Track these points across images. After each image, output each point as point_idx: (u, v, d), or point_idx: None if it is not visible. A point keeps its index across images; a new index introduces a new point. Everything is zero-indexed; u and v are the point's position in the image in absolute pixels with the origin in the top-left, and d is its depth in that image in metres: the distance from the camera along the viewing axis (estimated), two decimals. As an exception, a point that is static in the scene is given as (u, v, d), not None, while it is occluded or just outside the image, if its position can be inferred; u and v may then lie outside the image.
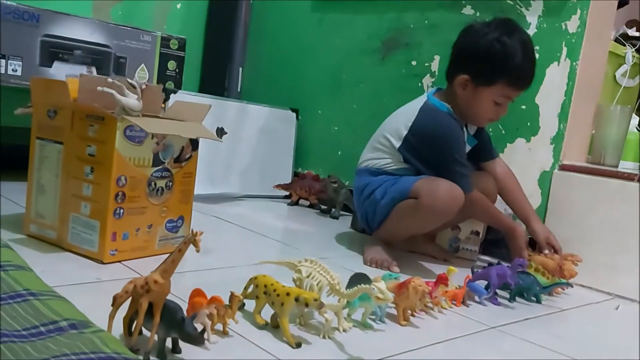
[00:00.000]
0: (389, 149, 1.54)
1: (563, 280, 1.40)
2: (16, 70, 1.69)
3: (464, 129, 1.55)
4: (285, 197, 2.24)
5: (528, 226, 1.57)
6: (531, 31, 1.71)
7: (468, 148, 1.58)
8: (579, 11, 1.63)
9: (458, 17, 1.89)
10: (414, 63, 2.02)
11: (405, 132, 1.50)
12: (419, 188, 1.43)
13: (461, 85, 1.49)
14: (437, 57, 1.96)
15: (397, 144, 1.51)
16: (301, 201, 2.20)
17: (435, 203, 1.41)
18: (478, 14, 1.85)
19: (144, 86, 1.25)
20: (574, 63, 1.64)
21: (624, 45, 1.95)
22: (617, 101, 1.92)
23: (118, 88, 1.17)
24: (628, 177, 1.53)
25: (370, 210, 1.55)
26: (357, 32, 2.21)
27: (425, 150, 1.49)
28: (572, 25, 1.64)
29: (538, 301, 1.35)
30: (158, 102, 1.34)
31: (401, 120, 1.54)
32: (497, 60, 1.43)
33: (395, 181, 1.50)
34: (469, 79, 1.47)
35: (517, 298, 1.34)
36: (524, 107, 1.72)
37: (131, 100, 1.17)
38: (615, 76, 1.95)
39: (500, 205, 1.61)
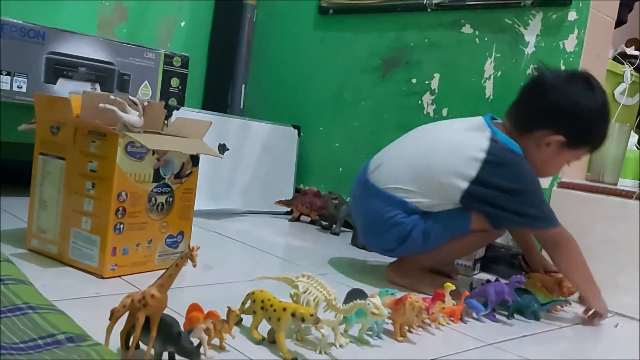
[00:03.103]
0: (437, 188, 1.38)
1: (562, 298, 1.40)
2: (21, 87, 1.72)
3: None
4: (287, 213, 2.25)
5: (528, 256, 1.60)
6: (529, 50, 1.73)
7: None
8: (576, 30, 1.65)
9: (457, 35, 1.92)
10: (414, 81, 2.04)
11: (470, 176, 1.34)
12: (479, 224, 1.39)
13: (546, 143, 1.37)
14: (436, 75, 1.97)
15: (458, 191, 1.36)
16: (302, 217, 2.21)
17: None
18: (477, 33, 1.87)
19: (145, 103, 1.27)
20: (572, 81, 1.65)
21: (623, 63, 1.97)
22: (616, 119, 1.93)
23: (120, 105, 1.19)
24: (627, 194, 1.53)
25: (394, 239, 1.43)
26: (358, 51, 2.23)
27: (506, 198, 1.34)
28: (569, 44, 1.66)
29: (536, 318, 1.35)
30: (159, 118, 1.35)
31: (460, 159, 1.36)
32: (596, 127, 1.38)
33: (435, 223, 1.39)
34: (564, 142, 1.36)
35: (515, 315, 1.34)
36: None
37: (132, 116, 1.19)
38: (614, 94, 1.96)
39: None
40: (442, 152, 1.40)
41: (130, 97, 1.23)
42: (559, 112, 1.36)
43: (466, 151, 1.36)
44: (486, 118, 1.44)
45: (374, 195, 1.45)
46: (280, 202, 2.20)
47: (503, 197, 1.33)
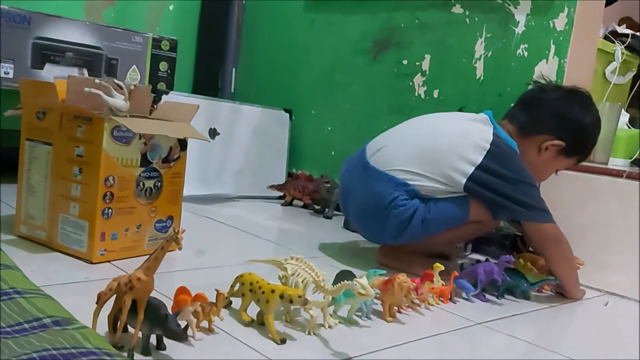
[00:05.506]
0: (443, 171, 1.37)
1: (551, 277, 1.40)
2: (8, 73, 1.70)
3: None
4: (279, 197, 2.25)
5: (526, 237, 1.60)
6: (519, 29, 1.73)
7: None
8: (566, 9, 1.64)
9: (448, 16, 1.90)
10: (405, 62, 2.03)
11: (476, 162, 1.36)
12: (477, 214, 1.40)
13: (545, 147, 1.44)
14: (427, 57, 1.96)
15: (463, 175, 1.36)
16: (295, 201, 2.21)
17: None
18: (467, 13, 1.86)
19: (131, 87, 1.26)
20: (562, 61, 1.65)
21: (614, 42, 1.96)
22: (607, 98, 1.93)
23: (105, 89, 1.18)
24: (617, 173, 1.54)
25: (395, 224, 1.40)
26: (349, 32, 2.22)
27: (508, 186, 1.36)
28: (559, 23, 1.66)
29: (526, 298, 1.36)
30: (146, 102, 1.34)
31: (467, 144, 1.38)
32: (591, 141, 1.48)
33: (434, 212, 1.38)
34: (562, 149, 1.44)
35: (505, 295, 1.35)
36: (513, 105, 1.72)
37: (118, 100, 1.18)
38: (605, 73, 1.96)
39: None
40: (448, 136, 1.42)
41: (115, 80, 1.22)
42: (564, 120, 1.44)
43: (472, 139, 1.39)
44: (489, 114, 1.47)
45: (376, 178, 1.42)
46: (272, 187, 2.20)
47: (506, 185, 1.35)
